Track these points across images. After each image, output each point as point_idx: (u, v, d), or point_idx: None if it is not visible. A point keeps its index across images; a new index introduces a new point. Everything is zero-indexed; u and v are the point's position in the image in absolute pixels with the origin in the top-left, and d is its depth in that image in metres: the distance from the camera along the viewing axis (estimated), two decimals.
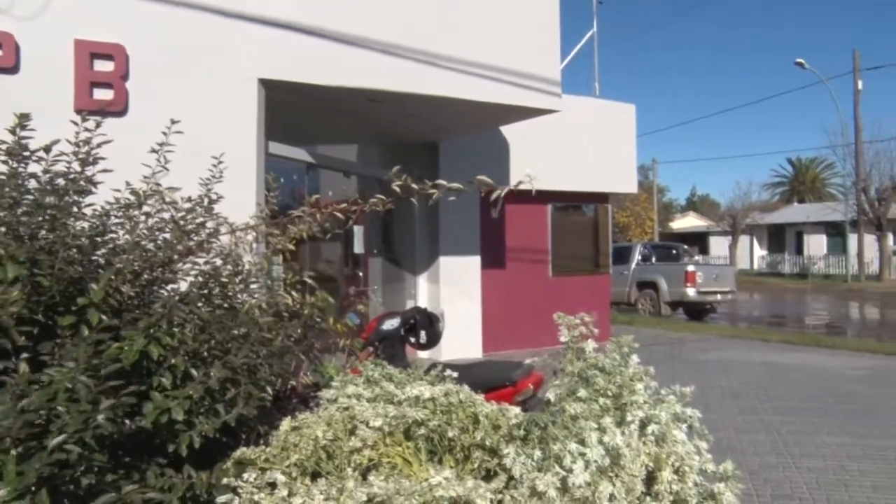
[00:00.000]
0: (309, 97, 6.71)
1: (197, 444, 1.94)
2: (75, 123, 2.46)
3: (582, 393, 1.90)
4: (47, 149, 2.35)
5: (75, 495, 1.74)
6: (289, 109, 7.05)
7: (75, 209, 2.32)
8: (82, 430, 1.68)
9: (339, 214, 2.73)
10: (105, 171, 2.44)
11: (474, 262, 10.43)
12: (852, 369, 9.49)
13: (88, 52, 5.26)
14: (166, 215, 2.53)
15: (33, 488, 1.62)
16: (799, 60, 31.10)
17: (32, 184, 2.31)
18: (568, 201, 12.15)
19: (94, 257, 2.30)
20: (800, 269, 37.92)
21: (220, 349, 2.22)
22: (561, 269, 11.91)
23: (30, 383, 1.78)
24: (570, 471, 1.65)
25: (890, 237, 32.97)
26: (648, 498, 1.82)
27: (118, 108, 5.26)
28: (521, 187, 2.40)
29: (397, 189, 2.49)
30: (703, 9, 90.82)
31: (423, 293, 10.30)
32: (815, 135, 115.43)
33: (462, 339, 9.60)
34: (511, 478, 1.73)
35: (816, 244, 39.13)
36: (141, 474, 1.87)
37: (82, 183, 2.36)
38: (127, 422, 1.87)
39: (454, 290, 10.07)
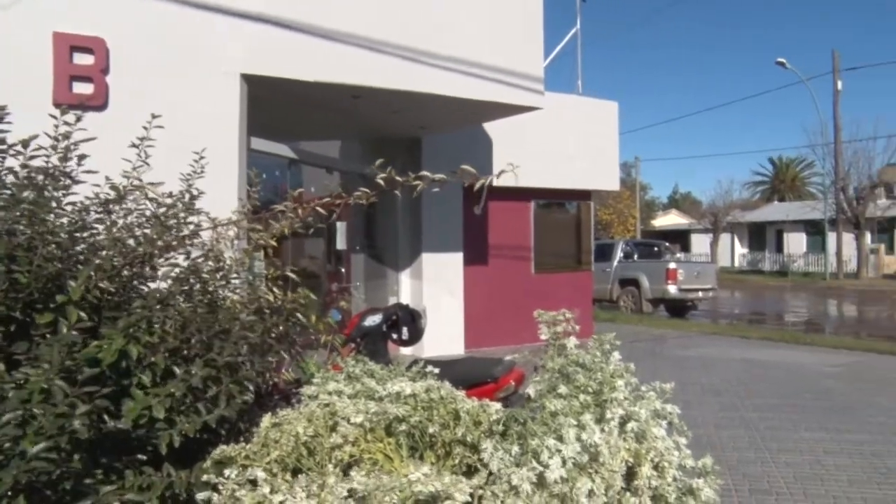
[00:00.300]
0: (291, 93, 6.68)
1: (177, 444, 1.92)
2: (54, 117, 2.43)
3: (562, 389, 1.91)
4: (25, 143, 2.32)
5: (52, 499, 1.72)
6: (271, 105, 7.01)
7: (54, 204, 2.29)
8: (58, 436, 1.65)
9: (321, 210, 2.72)
10: (89, 171, 2.41)
11: (457, 258, 10.44)
12: (830, 366, 9.61)
13: (68, 45, 5.20)
14: (147, 211, 2.51)
15: (9, 493, 1.60)
16: (780, 60, 31.39)
17: (10, 179, 2.28)
18: (550, 198, 12.19)
19: (72, 253, 2.27)
20: (780, 266, 38.31)
21: (201, 346, 2.20)
22: (543, 266, 11.95)
23: (4, 383, 1.76)
24: (547, 466, 1.66)
25: (868, 236, 33.38)
26: (628, 493, 1.83)
27: (98, 103, 5.20)
28: (505, 177, 2.40)
29: (381, 182, 2.47)
30: (685, 7, 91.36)
31: (405, 289, 10.30)
32: (796, 134, 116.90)
33: (444, 336, 9.61)
34: (492, 473, 1.74)
35: (796, 242, 39.55)
36: (119, 474, 1.85)
37: (61, 179, 2.33)
38: (106, 418, 1.85)
39: (437, 287, 10.07)
